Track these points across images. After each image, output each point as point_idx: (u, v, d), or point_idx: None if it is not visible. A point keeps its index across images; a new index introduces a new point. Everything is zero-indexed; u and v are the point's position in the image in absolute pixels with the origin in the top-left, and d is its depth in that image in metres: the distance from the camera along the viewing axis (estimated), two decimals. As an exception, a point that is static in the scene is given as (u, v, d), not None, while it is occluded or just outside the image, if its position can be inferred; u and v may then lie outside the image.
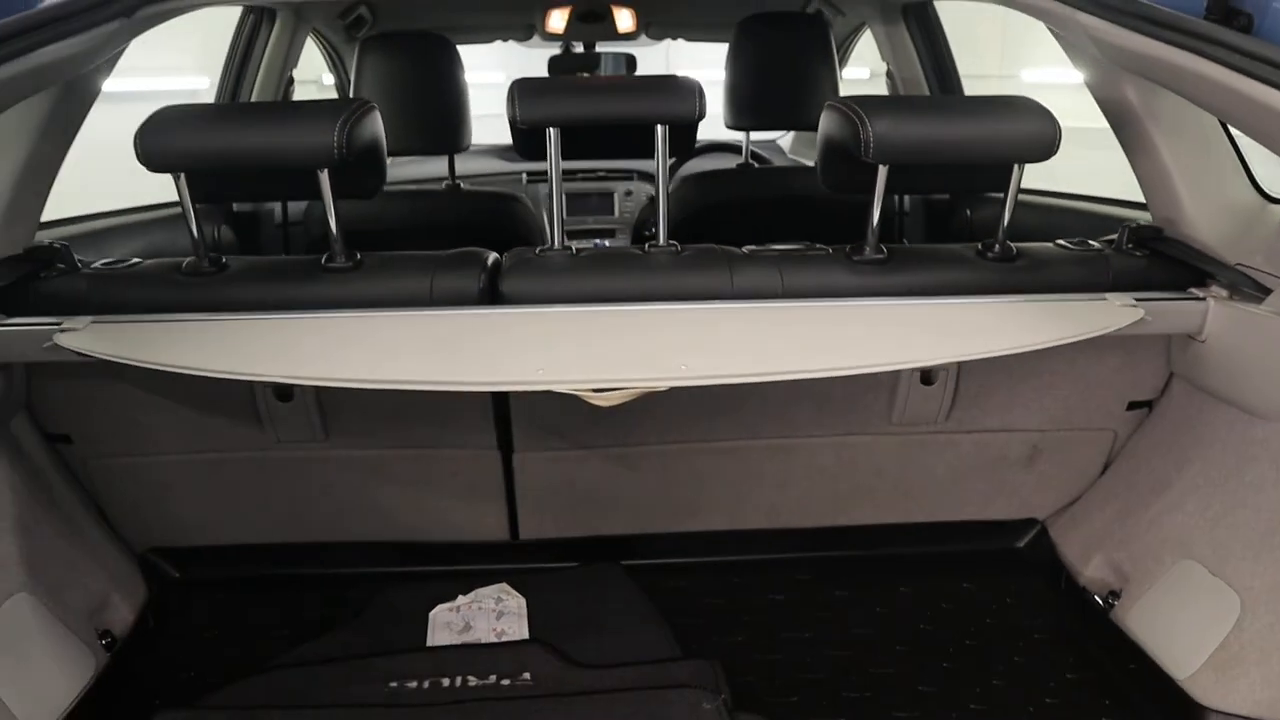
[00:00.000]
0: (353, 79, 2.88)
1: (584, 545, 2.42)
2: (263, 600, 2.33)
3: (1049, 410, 2.30)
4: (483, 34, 4.18)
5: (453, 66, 2.88)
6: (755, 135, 3.34)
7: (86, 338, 1.82)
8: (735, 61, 2.98)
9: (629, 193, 4.14)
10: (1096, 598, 2.20)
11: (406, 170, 3.92)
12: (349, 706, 1.88)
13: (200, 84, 6.04)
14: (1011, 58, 6.50)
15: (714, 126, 2.77)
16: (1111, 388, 2.27)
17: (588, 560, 2.42)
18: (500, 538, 2.39)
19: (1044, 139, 1.90)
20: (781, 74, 2.97)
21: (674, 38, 4.25)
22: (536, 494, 2.33)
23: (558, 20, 3.67)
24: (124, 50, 2.04)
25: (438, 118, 2.86)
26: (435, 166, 3.61)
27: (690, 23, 4.15)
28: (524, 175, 4.15)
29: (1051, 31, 2.12)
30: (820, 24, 3.18)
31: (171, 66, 5.39)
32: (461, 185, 3.02)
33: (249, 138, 1.87)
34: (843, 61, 3.98)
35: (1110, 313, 1.94)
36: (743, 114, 3.05)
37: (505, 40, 4.48)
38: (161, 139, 1.84)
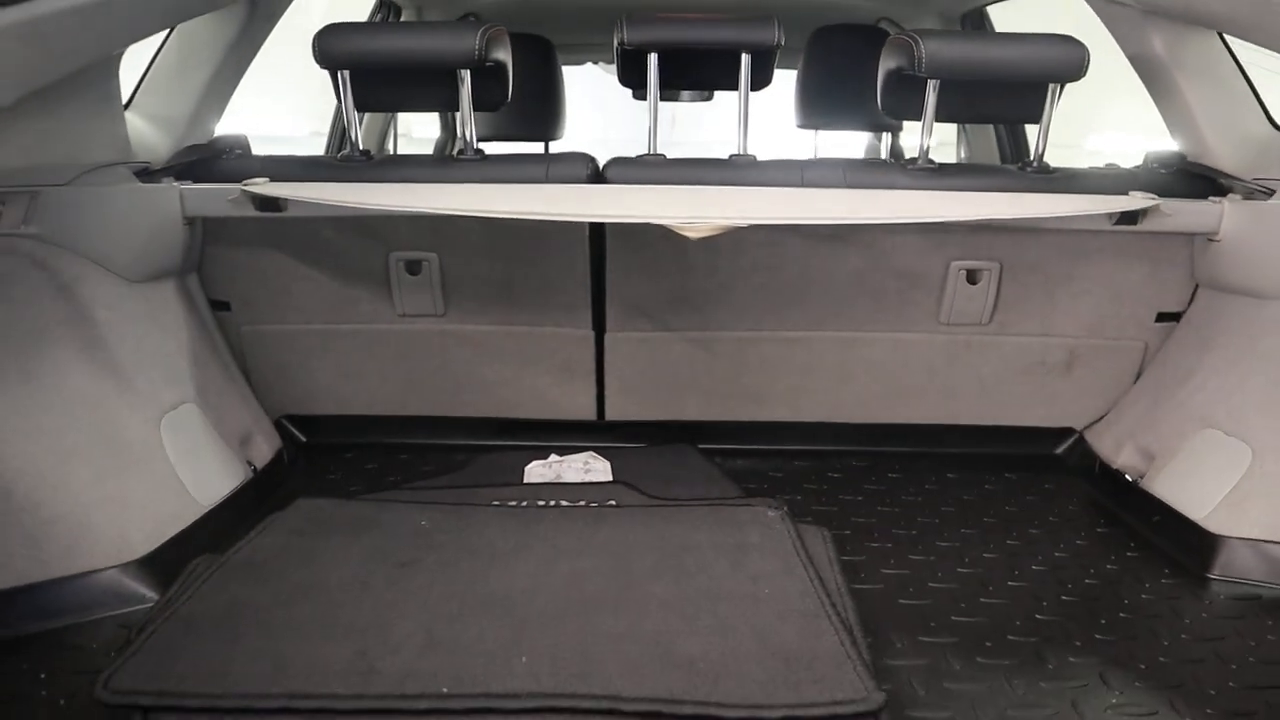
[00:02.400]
0: None
1: (662, 428, 2.71)
2: (379, 460, 2.65)
3: (1084, 318, 2.56)
4: (577, 53, 4.67)
5: (551, 64, 3.32)
6: None
7: (265, 188, 2.22)
8: (807, 68, 3.38)
9: None
10: (1127, 476, 2.42)
11: None
12: (461, 505, 2.18)
13: (299, 130, 6.78)
14: (1081, 123, 6.80)
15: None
16: (1141, 298, 2.53)
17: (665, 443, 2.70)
18: (588, 417, 2.69)
19: (1074, 61, 2.21)
20: (847, 80, 3.35)
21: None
22: (623, 376, 2.64)
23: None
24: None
25: (536, 109, 3.29)
26: None
27: None
28: None
29: (1090, 3, 2.46)
30: (883, 36, 3.57)
31: (276, 112, 6.05)
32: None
33: (406, 41, 2.29)
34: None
35: (1131, 201, 2.23)
36: (811, 114, 3.44)
37: (595, 63, 4.99)
38: (334, 41, 2.25)
